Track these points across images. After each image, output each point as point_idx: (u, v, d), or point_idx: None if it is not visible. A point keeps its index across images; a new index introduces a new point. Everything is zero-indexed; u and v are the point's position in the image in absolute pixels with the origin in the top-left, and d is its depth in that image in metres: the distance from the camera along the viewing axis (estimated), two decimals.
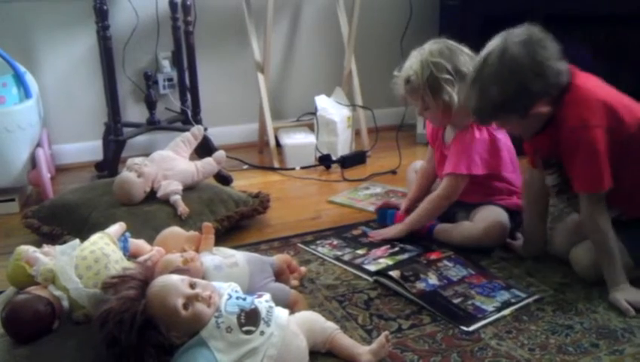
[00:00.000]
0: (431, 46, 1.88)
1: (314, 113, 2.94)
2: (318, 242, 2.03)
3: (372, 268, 1.82)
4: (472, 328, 1.52)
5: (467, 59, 1.85)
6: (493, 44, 1.58)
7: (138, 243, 1.71)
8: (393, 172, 2.78)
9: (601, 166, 1.54)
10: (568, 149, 1.58)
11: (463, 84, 1.79)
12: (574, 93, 1.56)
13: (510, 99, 1.54)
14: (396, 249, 1.94)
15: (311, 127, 3.03)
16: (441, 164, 2.00)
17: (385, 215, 2.11)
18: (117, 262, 1.50)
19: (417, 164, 2.27)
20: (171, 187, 2.08)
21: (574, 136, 1.55)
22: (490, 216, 1.89)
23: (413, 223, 1.98)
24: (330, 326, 1.43)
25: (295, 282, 1.74)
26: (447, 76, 1.83)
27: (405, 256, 1.89)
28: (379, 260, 1.87)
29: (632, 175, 1.60)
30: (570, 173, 1.62)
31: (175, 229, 1.77)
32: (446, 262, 1.81)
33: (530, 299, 1.65)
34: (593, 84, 1.60)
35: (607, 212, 1.59)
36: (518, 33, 1.56)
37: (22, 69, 2.47)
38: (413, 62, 1.89)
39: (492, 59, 1.55)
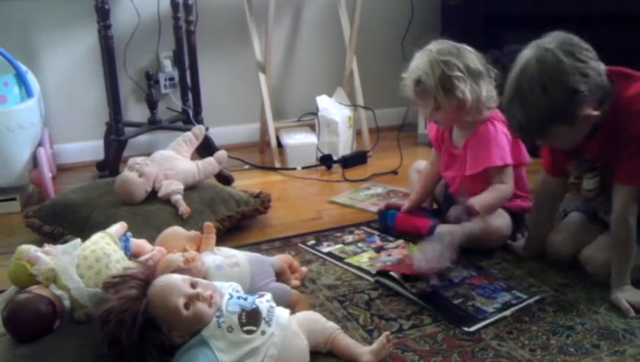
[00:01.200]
0: (437, 46, 1.87)
1: (315, 113, 2.94)
2: (322, 242, 2.03)
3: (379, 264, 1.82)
4: (472, 329, 1.52)
5: (474, 57, 1.85)
6: (527, 54, 1.54)
7: (139, 243, 1.71)
8: (394, 172, 2.77)
9: None
10: (634, 145, 1.53)
11: (474, 81, 1.80)
12: (636, 86, 1.54)
13: (558, 106, 1.50)
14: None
15: (312, 127, 3.03)
16: (450, 166, 2.00)
17: (386, 216, 2.11)
18: (118, 262, 1.50)
19: (419, 164, 2.27)
20: (172, 187, 2.08)
21: None
22: (492, 218, 1.89)
23: (484, 203, 1.86)
24: (331, 326, 1.43)
25: (296, 282, 1.74)
26: (459, 74, 1.82)
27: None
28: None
29: None
30: (621, 167, 1.56)
31: (176, 229, 1.77)
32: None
33: (531, 300, 1.64)
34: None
35: (637, 209, 1.58)
36: (549, 40, 1.54)
37: (23, 68, 2.47)
38: (421, 62, 1.86)
39: (530, 68, 1.51)
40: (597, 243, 1.71)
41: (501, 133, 1.89)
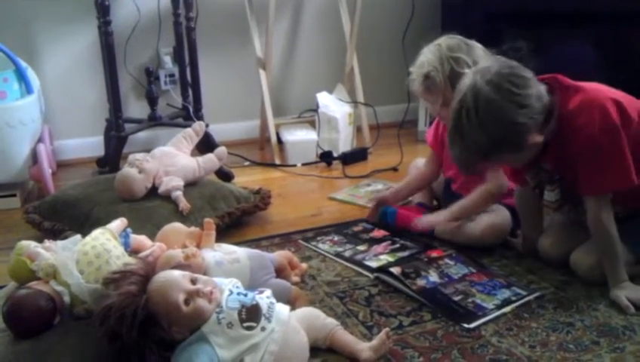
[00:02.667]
0: (447, 41, 1.86)
1: (315, 110, 2.94)
2: (319, 238, 2.03)
3: (373, 264, 1.83)
4: (472, 325, 1.52)
5: (483, 53, 1.84)
6: (464, 86, 1.54)
7: (139, 239, 1.71)
8: (394, 169, 2.77)
9: (627, 162, 1.52)
10: (588, 156, 1.54)
11: None
12: (580, 98, 1.54)
13: (501, 141, 1.51)
14: (397, 246, 1.95)
15: (312, 124, 3.03)
16: (451, 166, 2.00)
17: (385, 213, 2.11)
18: (118, 258, 1.50)
19: (419, 161, 2.27)
20: (173, 183, 2.08)
21: (596, 143, 1.51)
22: (491, 214, 1.89)
23: (459, 214, 1.93)
24: (331, 322, 1.43)
25: (296, 278, 1.74)
26: (467, 71, 1.82)
27: (406, 253, 1.89)
28: (379, 256, 1.88)
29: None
30: (586, 179, 1.57)
31: (176, 225, 1.77)
32: (447, 260, 1.81)
33: (531, 297, 1.64)
34: (590, 86, 1.59)
35: (612, 212, 1.59)
36: (485, 70, 1.53)
37: (23, 64, 2.46)
38: (431, 58, 1.85)
39: (467, 107, 1.51)
40: (584, 248, 1.71)
41: None
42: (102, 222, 1.73)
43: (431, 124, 2.19)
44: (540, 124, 1.53)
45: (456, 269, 1.77)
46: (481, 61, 1.81)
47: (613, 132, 1.51)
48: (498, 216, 1.90)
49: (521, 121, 1.49)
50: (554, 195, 1.71)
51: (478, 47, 1.86)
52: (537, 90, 1.52)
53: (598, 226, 1.59)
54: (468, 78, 1.55)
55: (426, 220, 1.98)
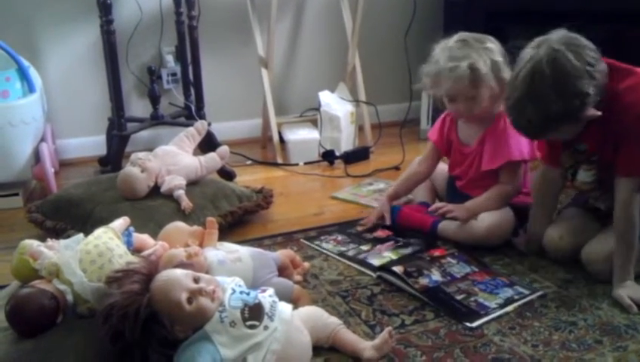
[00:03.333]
0: (470, 36, 1.86)
1: (317, 109, 2.94)
2: (322, 238, 2.03)
3: (375, 261, 1.83)
4: (475, 324, 1.52)
5: (498, 47, 1.86)
6: (538, 54, 1.52)
7: (142, 238, 1.71)
8: (396, 168, 2.77)
9: None
10: (631, 135, 1.54)
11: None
12: (632, 79, 1.55)
13: (570, 109, 1.51)
14: (400, 244, 1.95)
15: (314, 123, 3.03)
16: (459, 164, 2.01)
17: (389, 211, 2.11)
18: (121, 257, 1.50)
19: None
20: (175, 182, 2.08)
21: None
22: (495, 214, 1.89)
23: (476, 209, 1.92)
24: (334, 321, 1.43)
25: (298, 277, 1.74)
26: (502, 58, 1.83)
27: (409, 250, 1.89)
28: (382, 253, 1.89)
29: None
30: (622, 159, 1.57)
31: (179, 224, 1.77)
32: (449, 259, 1.81)
33: (533, 296, 1.64)
34: (636, 69, 1.59)
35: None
36: (557, 39, 1.53)
37: (26, 63, 2.47)
38: (467, 51, 1.82)
39: (542, 70, 1.50)
40: (597, 242, 1.71)
41: None
42: (104, 221, 1.73)
43: (434, 121, 2.18)
44: (596, 100, 1.53)
45: (459, 268, 1.77)
46: (503, 51, 1.83)
47: None
48: (502, 215, 1.89)
49: (590, 91, 1.49)
50: (589, 176, 1.70)
51: (492, 47, 1.86)
52: (602, 65, 1.53)
53: (624, 210, 1.59)
54: (539, 46, 1.53)
55: (442, 206, 1.98)
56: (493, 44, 1.86)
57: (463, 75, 1.81)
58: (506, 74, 1.82)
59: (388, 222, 2.06)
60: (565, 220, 1.84)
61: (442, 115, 2.08)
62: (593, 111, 1.52)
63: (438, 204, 2.02)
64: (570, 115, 1.52)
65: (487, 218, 1.89)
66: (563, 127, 1.57)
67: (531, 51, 1.54)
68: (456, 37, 1.88)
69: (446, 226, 1.97)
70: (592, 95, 1.50)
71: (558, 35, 1.54)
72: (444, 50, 1.87)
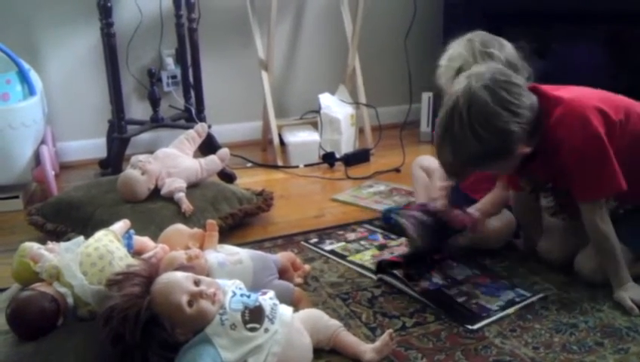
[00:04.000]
0: (479, 36, 1.83)
1: (318, 111, 2.94)
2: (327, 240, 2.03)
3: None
4: (476, 326, 1.52)
5: (513, 50, 1.81)
6: (456, 91, 1.51)
7: (142, 241, 1.71)
8: (397, 170, 2.77)
9: (614, 168, 1.52)
10: (574, 167, 1.54)
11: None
12: (560, 110, 1.53)
13: (491, 148, 1.48)
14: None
15: (315, 125, 3.03)
16: None
17: (390, 212, 2.11)
18: (121, 259, 1.50)
19: (422, 160, 2.26)
20: (175, 184, 2.08)
21: (580, 154, 1.51)
22: (496, 217, 1.89)
23: (486, 211, 1.89)
24: (334, 323, 1.43)
25: (299, 280, 1.74)
26: (502, 66, 1.82)
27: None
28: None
29: (632, 163, 1.57)
30: (576, 187, 1.58)
31: (179, 227, 1.77)
32: (450, 262, 1.81)
33: (534, 298, 1.64)
34: (571, 95, 1.57)
35: (607, 215, 1.59)
36: (480, 76, 1.50)
37: (26, 65, 2.47)
38: (463, 52, 1.81)
39: (459, 109, 1.48)
40: (586, 251, 1.70)
41: None
42: (105, 223, 1.73)
43: (434, 124, 2.17)
44: (529, 135, 1.51)
45: (460, 271, 1.77)
46: (510, 58, 1.79)
47: (596, 140, 1.51)
48: (503, 218, 1.89)
49: (513, 129, 1.47)
50: (547, 202, 1.72)
51: (508, 45, 1.85)
52: (530, 99, 1.51)
53: (595, 232, 1.59)
54: (461, 82, 1.52)
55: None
56: (498, 51, 1.81)
57: (450, 74, 1.83)
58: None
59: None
60: (556, 230, 1.83)
61: None
62: (522, 148, 1.50)
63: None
64: (492, 154, 1.50)
65: (490, 220, 1.89)
66: (490, 165, 1.55)
67: (454, 89, 1.53)
68: (469, 35, 1.87)
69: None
70: (518, 132, 1.47)
71: (480, 71, 1.53)
72: (452, 46, 1.87)
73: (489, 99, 1.47)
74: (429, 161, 2.25)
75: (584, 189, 1.57)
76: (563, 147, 1.53)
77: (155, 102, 2.75)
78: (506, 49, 1.82)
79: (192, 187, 2.14)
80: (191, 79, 2.86)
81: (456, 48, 1.84)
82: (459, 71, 1.81)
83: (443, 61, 1.86)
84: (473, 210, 1.85)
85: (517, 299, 1.64)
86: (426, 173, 2.21)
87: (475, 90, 1.48)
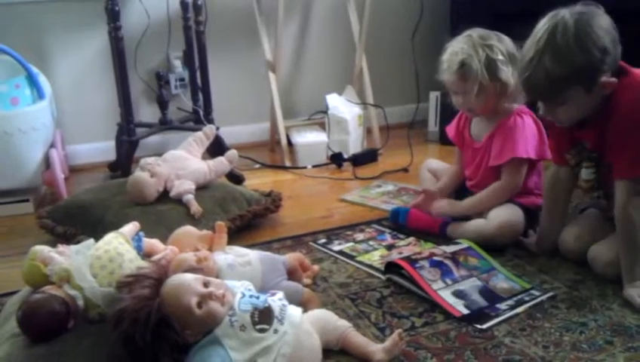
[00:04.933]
0: (477, 31, 1.89)
1: (325, 112, 2.94)
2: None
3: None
4: (485, 326, 1.52)
5: (512, 44, 1.86)
6: (558, 15, 1.53)
7: (152, 243, 1.72)
8: (405, 170, 2.77)
9: None
10: (623, 134, 1.54)
11: (514, 67, 1.80)
12: (628, 78, 1.55)
13: (589, 62, 1.49)
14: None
15: (322, 126, 3.03)
16: (472, 162, 2.02)
17: (397, 213, 2.11)
18: (131, 261, 1.50)
19: (430, 162, 2.26)
20: (184, 186, 2.09)
21: (633, 120, 1.52)
22: (504, 214, 1.89)
23: (470, 208, 1.98)
24: (343, 324, 1.43)
25: (308, 280, 1.74)
26: (502, 58, 1.84)
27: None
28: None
29: None
30: (620, 159, 1.57)
31: (188, 228, 1.78)
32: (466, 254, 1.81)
33: (543, 297, 1.64)
34: (637, 71, 1.58)
35: None
36: (577, 8, 1.53)
37: (35, 70, 2.48)
38: (464, 45, 1.87)
39: (564, 25, 1.50)
40: (605, 242, 1.70)
41: (529, 127, 1.91)
42: (114, 226, 1.73)
43: (442, 122, 2.18)
44: (610, 74, 1.53)
45: (478, 263, 1.77)
46: (511, 50, 1.84)
47: None
48: (512, 214, 1.89)
49: (610, 51, 1.50)
50: (589, 173, 1.69)
51: (506, 39, 1.88)
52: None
53: (623, 214, 1.58)
54: (559, 12, 1.54)
55: (440, 207, 2.03)
56: (498, 43, 1.87)
57: (453, 69, 1.88)
58: (506, 73, 1.85)
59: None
60: (581, 221, 1.83)
61: (459, 113, 2.09)
62: (609, 78, 1.52)
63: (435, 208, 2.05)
64: (586, 72, 1.50)
65: (497, 217, 1.89)
66: (575, 91, 1.53)
67: (554, 15, 1.54)
68: (467, 32, 1.92)
69: (455, 227, 1.97)
70: (610, 56, 1.50)
71: (577, 7, 1.55)
72: (452, 43, 1.92)
73: (592, 19, 1.50)
74: (437, 163, 2.26)
75: (629, 163, 1.56)
76: (621, 109, 1.53)
77: (163, 105, 2.76)
78: (505, 42, 1.87)
79: (201, 189, 2.15)
80: (199, 81, 2.87)
81: (457, 44, 1.89)
82: (462, 64, 1.85)
83: (445, 56, 1.92)
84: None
85: (526, 298, 1.63)
86: (434, 175, 2.22)
87: (581, 12, 1.51)
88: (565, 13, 1.52)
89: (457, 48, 1.88)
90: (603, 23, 1.51)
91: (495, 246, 1.88)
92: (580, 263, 1.76)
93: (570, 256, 1.80)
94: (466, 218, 1.99)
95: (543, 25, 1.55)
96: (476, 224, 1.93)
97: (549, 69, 1.51)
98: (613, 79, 1.53)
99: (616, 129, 1.55)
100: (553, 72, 1.51)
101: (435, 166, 2.25)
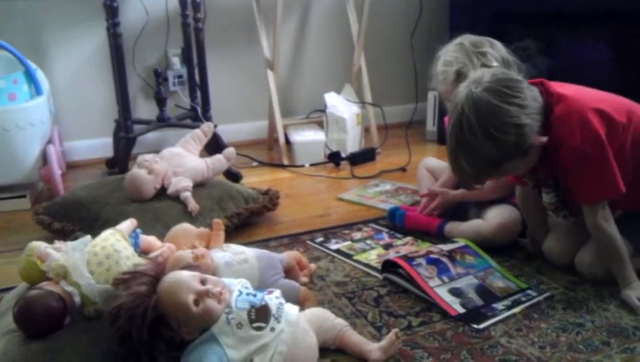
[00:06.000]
0: (468, 38, 1.87)
1: (323, 110, 2.94)
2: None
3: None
4: (482, 326, 1.52)
5: (504, 48, 1.85)
6: (460, 101, 1.51)
7: (149, 240, 1.72)
8: (403, 169, 2.77)
9: (613, 171, 1.52)
10: (573, 167, 1.54)
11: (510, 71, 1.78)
12: (561, 108, 1.53)
13: (508, 145, 1.48)
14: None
15: (320, 124, 3.03)
16: None
17: (394, 214, 2.11)
18: (128, 258, 1.50)
19: (428, 161, 2.27)
20: (181, 184, 2.09)
21: (578, 155, 1.51)
22: (502, 214, 1.89)
23: (460, 196, 2.01)
24: (340, 322, 1.43)
25: (305, 279, 1.74)
26: (497, 64, 1.83)
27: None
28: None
29: (635, 167, 1.58)
30: (575, 188, 1.58)
31: (185, 226, 1.78)
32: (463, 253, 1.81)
33: (540, 297, 1.64)
34: (573, 93, 1.57)
35: (610, 214, 1.58)
36: (478, 81, 1.51)
37: (33, 65, 2.48)
38: (457, 55, 1.85)
39: (467, 118, 1.48)
40: (585, 247, 1.71)
41: None
42: (111, 222, 1.73)
43: (440, 122, 2.18)
44: (540, 126, 1.51)
45: (475, 261, 1.77)
46: (504, 55, 1.83)
47: (595, 142, 1.50)
48: (509, 215, 1.89)
49: (525, 121, 1.47)
50: (548, 198, 1.70)
51: (498, 44, 1.87)
52: (532, 91, 1.52)
53: (597, 231, 1.59)
54: (461, 92, 1.53)
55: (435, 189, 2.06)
56: (491, 49, 1.85)
57: (450, 78, 1.85)
58: None
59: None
60: (560, 229, 1.81)
61: None
62: (539, 139, 1.50)
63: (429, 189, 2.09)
64: (510, 153, 1.49)
65: (495, 217, 1.89)
66: (510, 166, 1.54)
67: (455, 101, 1.53)
68: (457, 40, 1.90)
69: (453, 227, 1.97)
70: (529, 123, 1.48)
71: (479, 76, 1.53)
72: (443, 53, 1.90)
73: (493, 99, 1.47)
74: (435, 162, 2.26)
75: (584, 191, 1.57)
76: (562, 146, 1.53)
77: (161, 102, 2.76)
78: (497, 47, 1.85)
79: (198, 186, 2.15)
80: (197, 79, 2.86)
81: (450, 53, 1.87)
82: (458, 74, 1.83)
83: (439, 67, 1.89)
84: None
85: (523, 299, 1.63)
86: (432, 174, 2.22)
87: (478, 94, 1.48)
88: (465, 99, 1.49)
89: (451, 58, 1.86)
90: (503, 94, 1.47)
91: (493, 245, 1.88)
92: (572, 266, 1.75)
93: (555, 263, 1.79)
94: (464, 218, 1.99)
95: (452, 111, 1.53)
96: (473, 224, 1.93)
97: (468, 169, 1.53)
98: (543, 138, 1.50)
99: (564, 165, 1.55)
100: (475, 169, 1.53)
101: (433, 164, 2.25)
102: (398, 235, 2.05)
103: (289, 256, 1.74)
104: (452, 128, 1.53)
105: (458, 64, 1.84)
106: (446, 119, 2.12)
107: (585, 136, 1.50)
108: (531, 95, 1.51)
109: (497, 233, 1.87)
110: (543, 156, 1.57)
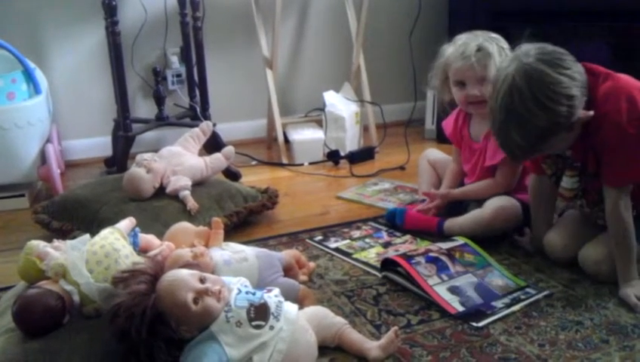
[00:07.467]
0: (476, 31, 1.93)
1: (322, 109, 2.94)
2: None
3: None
4: (481, 324, 1.52)
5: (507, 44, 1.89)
6: (508, 75, 1.49)
7: (148, 238, 1.71)
8: (402, 168, 2.77)
9: None
10: (614, 144, 1.52)
11: None
12: (609, 85, 1.52)
13: (559, 116, 1.46)
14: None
15: (319, 123, 3.03)
16: (469, 160, 2.03)
17: (394, 214, 2.10)
18: (127, 257, 1.50)
19: (430, 152, 2.27)
20: (180, 182, 2.08)
21: (622, 132, 1.49)
22: (501, 200, 1.90)
23: (459, 195, 2.03)
24: (339, 321, 1.43)
25: (304, 277, 1.74)
26: (508, 47, 1.87)
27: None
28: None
29: None
30: (607, 168, 1.56)
31: (184, 224, 1.78)
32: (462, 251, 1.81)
33: (539, 295, 1.64)
34: (620, 76, 1.56)
35: (630, 205, 1.57)
36: (527, 52, 1.50)
37: (31, 64, 2.47)
38: (473, 37, 1.91)
39: (518, 88, 1.46)
40: (592, 243, 1.70)
41: None
42: (110, 221, 1.73)
43: (439, 120, 2.19)
44: (584, 101, 1.50)
45: (474, 259, 1.77)
46: (506, 45, 1.87)
47: (638, 122, 1.49)
48: (507, 201, 1.89)
49: (575, 93, 1.46)
50: (572, 183, 1.68)
51: (502, 39, 1.91)
52: (578, 66, 1.50)
53: (615, 217, 1.58)
54: (509, 63, 1.51)
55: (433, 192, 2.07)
56: (500, 39, 1.91)
57: (471, 53, 1.88)
58: None
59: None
60: (564, 224, 1.82)
61: (456, 110, 2.09)
62: (584, 113, 1.49)
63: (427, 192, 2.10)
64: (560, 125, 1.48)
65: (494, 202, 1.90)
66: (556, 140, 1.52)
67: (504, 74, 1.51)
68: (461, 35, 1.95)
69: (452, 224, 1.97)
70: (578, 96, 1.47)
71: (526, 48, 1.52)
72: (452, 42, 1.94)
73: (546, 68, 1.46)
74: (438, 154, 2.26)
75: (616, 171, 1.55)
76: (606, 122, 1.51)
77: (160, 101, 2.75)
78: (503, 41, 1.90)
79: (197, 185, 2.15)
80: (196, 77, 2.86)
81: (464, 39, 1.91)
82: (479, 48, 1.88)
83: (456, 48, 1.92)
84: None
85: (522, 297, 1.64)
86: (433, 167, 2.23)
87: (530, 64, 1.47)
88: (515, 67, 1.48)
89: (467, 39, 1.90)
90: (554, 65, 1.46)
91: (493, 233, 1.87)
92: (572, 263, 1.76)
93: (555, 258, 1.80)
94: (461, 214, 1.99)
95: (500, 84, 1.51)
96: (472, 213, 1.94)
97: (519, 141, 1.50)
98: (590, 112, 1.49)
99: (603, 141, 1.53)
100: (525, 141, 1.50)
101: (435, 157, 2.25)
102: (397, 234, 2.05)
103: (288, 254, 1.74)
104: (501, 99, 1.50)
105: (477, 41, 1.88)
106: (444, 124, 2.14)
107: (631, 115, 1.49)
108: (578, 69, 1.50)
109: (497, 216, 1.87)
110: (581, 133, 1.55)
